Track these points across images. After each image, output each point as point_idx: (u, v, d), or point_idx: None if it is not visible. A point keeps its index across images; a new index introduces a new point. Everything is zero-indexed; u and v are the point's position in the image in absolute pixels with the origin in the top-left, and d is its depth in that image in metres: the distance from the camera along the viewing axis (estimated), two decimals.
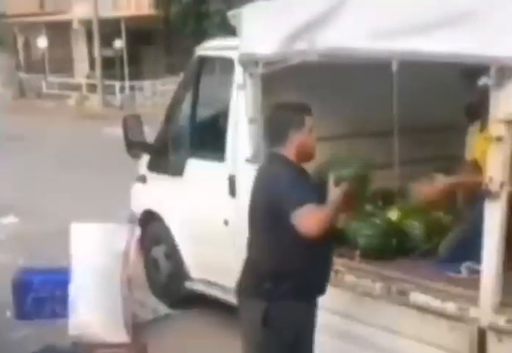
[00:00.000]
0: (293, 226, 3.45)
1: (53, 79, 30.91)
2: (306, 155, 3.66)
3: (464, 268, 4.14)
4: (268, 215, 3.56)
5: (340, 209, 3.56)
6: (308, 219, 3.43)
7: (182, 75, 6.69)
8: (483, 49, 3.35)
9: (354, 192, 3.58)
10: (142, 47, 28.74)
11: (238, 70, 5.03)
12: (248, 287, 3.68)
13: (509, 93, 3.36)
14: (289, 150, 3.63)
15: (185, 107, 6.25)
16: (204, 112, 6.20)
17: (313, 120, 3.67)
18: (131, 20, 26.93)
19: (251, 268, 3.68)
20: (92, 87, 27.99)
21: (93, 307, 5.28)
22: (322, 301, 3.78)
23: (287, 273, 3.55)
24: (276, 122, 3.71)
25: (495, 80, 3.36)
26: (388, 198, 5.06)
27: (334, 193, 3.51)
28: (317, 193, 3.57)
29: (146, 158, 6.53)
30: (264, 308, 3.54)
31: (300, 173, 3.65)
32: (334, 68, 4.59)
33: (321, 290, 3.74)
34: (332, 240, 3.69)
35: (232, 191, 5.32)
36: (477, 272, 3.94)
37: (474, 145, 4.37)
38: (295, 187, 3.50)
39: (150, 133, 6.61)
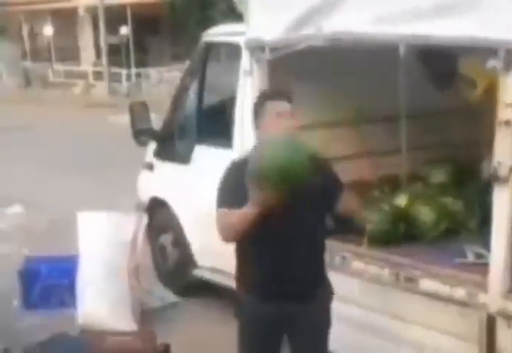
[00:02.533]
0: None
1: (59, 67, 30.89)
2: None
3: (470, 252, 4.13)
4: None
5: (255, 215, 3.22)
6: (217, 223, 3.38)
7: (188, 62, 6.65)
8: (492, 32, 3.31)
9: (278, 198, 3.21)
10: (148, 34, 28.67)
11: (245, 56, 5.00)
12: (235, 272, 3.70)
13: None
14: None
15: (192, 94, 6.22)
16: (210, 99, 6.17)
17: (285, 105, 3.42)
18: (136, 7, 26.81)
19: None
20: (98, 75, 27.96)
21: (100, 295, 5.28)
22: None
23: (241, 268, 3.53)
24: (253, 114, 3.57)
25: (503, 63, 3.33)
26: (395, 184, 5.04)
27: (251, 197, 3.22)
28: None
29: (152, 145, 6.51)
30: (237, 296, 3.59)
31: None
32: (341, 54, 4.55)
33: (282, 290, 3.40)
34: (285, 240, 3.35)
35: None
36: (483, 257, 3.94)
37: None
38: (225, 187, 3.43)
39: (157, 120, 6.58)
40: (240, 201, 3.27)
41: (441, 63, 4.89)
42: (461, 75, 4.74)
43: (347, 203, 3.56)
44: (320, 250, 3.54)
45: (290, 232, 3.35)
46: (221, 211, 3.37)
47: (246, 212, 3.25)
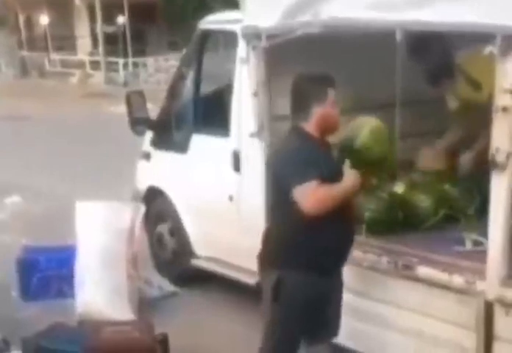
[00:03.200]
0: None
1: (55, 56, 30.80)
2: (329, 128, 3.65)
3: (468, 240, 4.12)
4: (276, 190, 3.64)
5: (351, 192, 3.58)
6: (307, 197, 3.43)
7: (185, 51, 6.62)
8: (489, 17, 3.28)
9: (369, 173, 3.67)
10: (144, 23, 28.60)
11: (241, 44, 4.98)
12: (264, 257, 3.73)
13: None
14: (311, 124, 3.60)
15: (188, 82, 6.19)
16: (207, 87, 6.14)
17: (335, 91, 3.64)
18: None
19: (267, 239, 3.72)
20: (95, 65, 27.91)
21: (98, 285, 5.28)
22: None
23: (297, 245, 3.56)
24: (299, 95, 3.67)
25: (501, 49, 3.30)
26: (393, 172, 5.02)
27: (348, 176, 3.55)
28: (335, 169, 3.59)
29: (149, 135, 6.49)
30: (276, 277, 3.58)
31: (319, 148, 3.61)
32: (337, 41, 4.52)
33: (335, 264, 3.72)
34: (347, 216, 3.65)
35: (237, 166, 5.29)
36: (482, 244, 3.93)
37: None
38: (300, 163, 3.49)
39: (154, 110, 6.55)
40: (319, 175, 3.45)
41: (436, 61, 4.87)
42: (461, 72, 4.73)
43: None
44: None
45: (350, 214, 3.67)
46: (310, 184, 3.43)
47: (347, 186, 3.52)
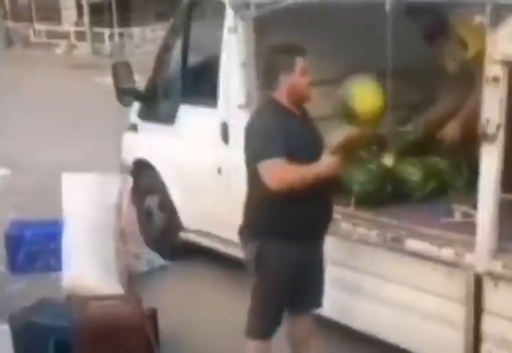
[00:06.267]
0: None
1: (40, 27, 30.40)
2: (299, 98, 3.66)
3: (458, 212, 4.10)
4: (248, 161, 3.65)
5: (325, 175, 3.54)
6: (271, 174, 3.48)
7: (171, 20, 6.53)
8: None
9: (356, 146, 3.80)
10: None
11: (229, 14, 4.91)
12: (244, 227, 3.75)
13: (505, 32, 3.26)
14: (281, 94, 3.62)
15: (175, 53, 6.11)
16: (194, 58, 6.06)
17: (305, 60, 3.61)
18: None
19: (246, 210, 3.74)
20: (80, 35, 27.56)
21: (86, 259, 5.25)
22: None
23: (274, 217, 3.58)
24: (267, 65, 3.73)
25: (491, 19, 3.26)
26: (382, 144, 4.98)
27: (324, 161, 3.55)
28: (311, 140, 3.62)
29: (136, 106, 6.42)
30: (256, 248, 3.62)
31: (290, 117, 3.62)
32: (328, 10, 4.45)
33: (312, 237, 3.72)
34: (325, 190, 3.65)
35: (225, 138, 5.24)
36: (471, 216, 3.91)
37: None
38: (266, 138, 3.52)
39: (141, 81, 6.47)
40: (285, 150, 3.45)
41: (431, 17, 4.81)
42: (453, 32, 4.67)
43: None
44: None
45: (329, 188, 3.65)
46: (277, 161, 3.45)
47: (320, 170, 3.51)
